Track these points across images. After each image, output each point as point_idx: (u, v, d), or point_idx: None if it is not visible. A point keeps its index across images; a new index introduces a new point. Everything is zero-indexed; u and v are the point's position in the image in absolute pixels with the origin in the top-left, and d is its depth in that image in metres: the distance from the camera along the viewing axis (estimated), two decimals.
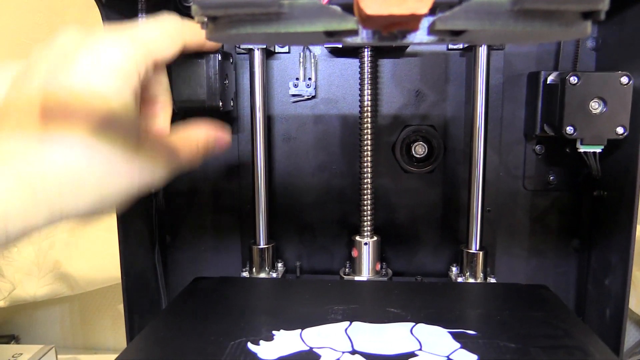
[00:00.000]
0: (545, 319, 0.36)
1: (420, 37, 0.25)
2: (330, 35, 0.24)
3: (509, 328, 0.35)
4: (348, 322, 0.36)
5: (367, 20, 0.21)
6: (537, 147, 0.53)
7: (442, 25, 0.21)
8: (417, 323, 0.35)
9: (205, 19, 0.22)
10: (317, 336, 0.34)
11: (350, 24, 0.21)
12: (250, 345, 0.32)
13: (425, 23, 0.23)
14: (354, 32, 0.24)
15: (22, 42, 0.70)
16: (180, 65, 0.45)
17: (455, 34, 0.24)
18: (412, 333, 0.34)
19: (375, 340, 0.33)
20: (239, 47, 0.50)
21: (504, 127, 0.53)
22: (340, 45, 0.49)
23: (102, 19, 0.47)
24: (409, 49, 0.52)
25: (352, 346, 0.32)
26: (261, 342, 0.33)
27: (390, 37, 0.25)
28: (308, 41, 0.25)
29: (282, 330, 0.35)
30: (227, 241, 0.56)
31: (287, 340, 0.33)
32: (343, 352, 0.32)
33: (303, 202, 0.55)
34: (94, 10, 0.48)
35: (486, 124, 0.50)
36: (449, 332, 0.34)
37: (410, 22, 0.22)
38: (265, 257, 0.52)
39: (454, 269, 0.54)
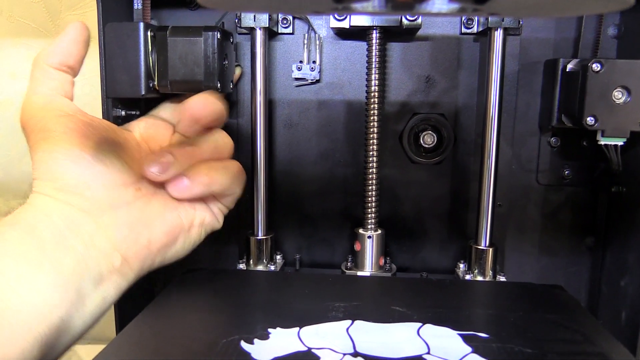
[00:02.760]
0: (561, 322, 0.34)
1: (439, 6, 0.22)
2: (339, 0, 0.21)
3: (523, 331, 0.32)
4: (350, 321, 0.33)
5: None
6: (553, 140, 0.51)
7: None
8: (424, 323, 0.33)
9: None
10: (316, 335, 0.31)
11: None
12: (243, 344, 0.30)
13: None
14: None
15: (18, 22, 0.67)
16: (177, 43, 0.43)
17: (480, 1, 0.21)
18: (419, 334, 0.31)
19: (379, 342, 0.30)
20: (240, 27, 0.48)
21: (517, 118, 0.50)
22: (347, 26, 0.46)
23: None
24: (420, 32, 0.49)
25: (354, 347, 0.30)
26: (255, 340, 0.30)
27: (405, 5, 0.22)
28: (313, 8, 0.22)
29: (278, 328, 0.32)
30: (224, 231, 0.53)
31: (283, 339, 0.31)
32: (344, 354, 0.29)
33: (304, 191, 0.52)
34: None
35: (499, 114, 0.47)
36: (459, 334, 0.31)
37: None
38: (263, 249, 0.50)
39: (461, 265, 0.51)
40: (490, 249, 0.48)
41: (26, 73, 0.68)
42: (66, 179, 0.34)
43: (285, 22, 0.49)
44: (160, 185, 0.38)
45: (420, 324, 0.33)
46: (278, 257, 0.51)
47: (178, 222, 0.38)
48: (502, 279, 0.48)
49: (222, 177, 0.39)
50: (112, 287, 0.35)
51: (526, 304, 0.37)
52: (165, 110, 0.45)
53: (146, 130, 0.42)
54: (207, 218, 0.40)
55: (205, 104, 0.39)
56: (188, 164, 0.38)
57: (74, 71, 0.38)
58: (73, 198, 0.34)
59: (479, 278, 0.49)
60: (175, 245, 0.38)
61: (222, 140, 0.41)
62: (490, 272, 0.49)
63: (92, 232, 0.34)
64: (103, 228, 0.34)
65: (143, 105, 0.47)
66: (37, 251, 0.31)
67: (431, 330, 0.32)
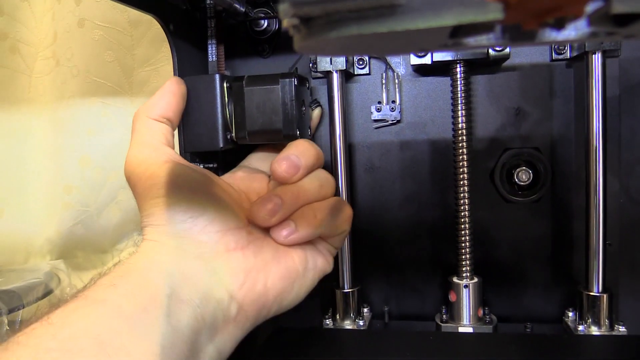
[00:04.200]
0: None
1: (568, 32, 0.19)
2: (455, 34, 0.18)
3: None
4: None
5: (516, 6, 0.16)
6: None
7: (623, 6, 0.15)
8: None
9: (297, 21, 0.18)
10: None
11: (492, 13, 0.16)
12: None
13: (590, 8, 0.17)
14: (487, 28, 0.18)
15: (95, 81, 0.69)
16: (254, 93, 0.41)
17: (622, 23, 0.18)
18: None
19: None
20: (316, 71, 0.46)
21: (623, 146, 0.46)
22: (428, 62, 0.44)
23: (171, 49, 0.43)
24: (506, 63, 0.46)
25: None
26: None
27: (527, 34, 0.19)
28: (422, 45, 0.20)
29: None
30: None
31: None
32: None
33: (390, 238, 0.49)
34: (164, 45, 0.45)
35: (604, 143, 0.42)
36: None
37: (575, 5, 0.16)
38: (349, 302, 0.46)
39: (570, 314, 0.46)
40: (605, 295, 0.43)
41: (103, 130, 0.70)
42: (179, 223, 0.33)
43: (361, 62, 0.47)
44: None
45: None
46: (365, 310, 0.48)
47: (293, 266, 0.36)
48: (622, 329, 0.43)
49: (328, 218, 0.37)
50: (228, 339, 0.33)
51: None
52: (256, 160, 0.44)
53: (242, 181, 0.41)
54: (319, 261, 0.38)
55: (293, 160, 0.38)
56: (295, 206, 0.37)
57: (173, 124, 0.40)
58: (187, 244, 0.33)
59: (594, 328, 0.43)
60: (292, 292, 0.36)
61: (325, 179, 0.40)
62: (607, 322, 0.43)
63: (208, 281, 0.32)
64: (219, 275, 0.33)
65: (221, 158, 0.46)
66: (153, 306, 0.29)
67: None
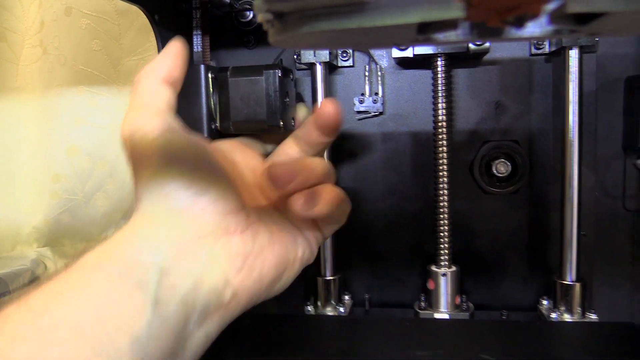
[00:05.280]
0: None
1: (532, 29, 0.20)
2: (423, 30, 0.19)
3: None
4: None
5: (478, 5, 0.17)
6: (639, 162, 0.47)
7: (578, 6, 0.16)
8: None
9: (271, 17, 0.18)
10: None
11: (454, 11, 0.17)
12: None
13: (548, 7, 0.18)
14: (453, 25, 0.19)
15: (82, 70, 0.69)
16: (238, 84, 0.42)
17: (582, 21, 0.19)
18: None
19: None
20: (300, 62, 0.47)
21: (599, 140, 0.47)
22: (410, 55, 0.45)
23: (157, 39, 0.44)
24: (487, 56, 0.47)
25: None
26: None
27: (494, 31, 0.20)
28: (394, 40, 0.20)
29: None
30: None
31: None
32: None
33: (372, 228, 0.50)
34: (151, 35, 0.45)
35: (580, 137, 0.44)
36: None
37: (532, 5, 0.17)
38: (331, 290, 0.48)
39: (544, 302, 0.47)
40: (578, 284, 0.45)
41: (90, 119, 0.71)
42: (180, 200, 0.30)
43: (345, 55, 0.48)
44: (265, 215, 0.35)
45: None
46: (346, 297, 0.49)
47: (285, 254, 0.34)
48: (593, 317, 0.44)
49: (339, 202, 0.35)
50: (217, 323, 0.30)
51: (628, 347, 0.33)
52: (246, 139, 0.43)
53: (240, 153, 0.39)
54: (306, 251, 0.37)
55: (337, 109, 0.35)
56: (307, 183, 0.34)
57: (176, 86, 0.36)
58: (186, 223, 0.30)
59: (566, 316, 0.45)
60: (281, 280, 0.34)
61: (330, 167, 0.38)
62: (579, 310, 0.45)
63: (204, 264, 0.29)
64: (217, 259, 0.30)
65: None
66: (139, 292, 0.26)
67: None
